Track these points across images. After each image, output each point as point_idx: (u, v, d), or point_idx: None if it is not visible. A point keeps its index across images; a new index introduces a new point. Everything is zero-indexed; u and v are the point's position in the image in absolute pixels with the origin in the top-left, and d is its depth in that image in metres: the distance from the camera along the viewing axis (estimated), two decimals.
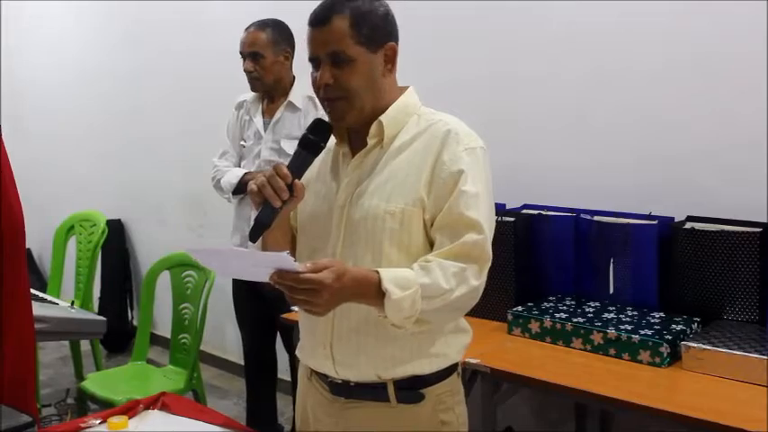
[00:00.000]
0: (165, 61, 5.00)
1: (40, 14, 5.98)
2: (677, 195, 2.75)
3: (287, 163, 1.65)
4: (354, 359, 1.72)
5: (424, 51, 3.40)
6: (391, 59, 1.70)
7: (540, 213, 2.88)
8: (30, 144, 5.94)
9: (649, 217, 2.65)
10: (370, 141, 1.72)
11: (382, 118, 1.70)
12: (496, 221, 2.76)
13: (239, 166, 3.48)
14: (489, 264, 1.64)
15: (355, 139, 1.76)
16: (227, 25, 3.50)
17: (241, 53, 3.31)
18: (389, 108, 1.71)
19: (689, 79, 2.73)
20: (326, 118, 1.73)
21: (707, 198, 2.67)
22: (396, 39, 1.71)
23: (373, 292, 1.52)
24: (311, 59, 1.68)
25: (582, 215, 2.79)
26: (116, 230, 5.36)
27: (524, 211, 2.94)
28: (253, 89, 3.39)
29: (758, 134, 2.57)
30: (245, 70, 3.30)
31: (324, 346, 1.74)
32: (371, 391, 1.74)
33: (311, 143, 1.68)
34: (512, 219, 2.82)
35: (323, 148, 1.70)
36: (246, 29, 3.30)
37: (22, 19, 6.13)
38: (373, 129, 1.70)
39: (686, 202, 2.69)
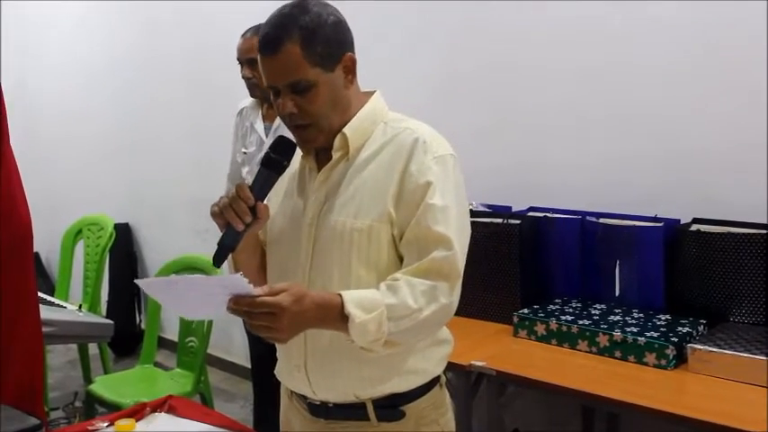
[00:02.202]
0: (174, 62, 5.00)
1: (49, 16, 6.00)
2: (684, 196, 2.74)
3: (246, 182, 1.60)
4: (330, 381, 1.67)
5: (427, 52, 3.41)
6: (351, 70, 1.62)
7: (545, 216, 2.88)
8: (38, 147, 5.96)
9: (655, 219, 2.65)
10: (335, 155, 1.65)
11: (346, 130, 1.63)
12: (503, 224, 2.80)
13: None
14: (460, 280, 1.57)
15: (321, 152, 1.68)
16: (236, 26, 3.50)
17: (239, 60, 3.30)
18: (354, 118, 1.64)
19: (697, 78, 2.72)
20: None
21: (714, 198, 2.67)
22: (351, 46, 1.63)
23: (336, 316, 1.46)
24: (268, 87, 1.61)
25: (588, 217, 2.79)
26: (124, 234, 5.38)
27: (530, 213, 2.94)
28: (252, 95, 3.39)
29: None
30: (243, 77, 3.30)
31: (298, 368, 1.70)
32: (351, 411, 1.69)
33: (274, 162, 1.61)
34: (517, 221, 2.82)
35: (286, 167, 1.63)
36: (243, 35, 3.30)
37: (31, 20, 6.16)
38: (337, 142, 1.63)
39: (693, 202, 2.69)
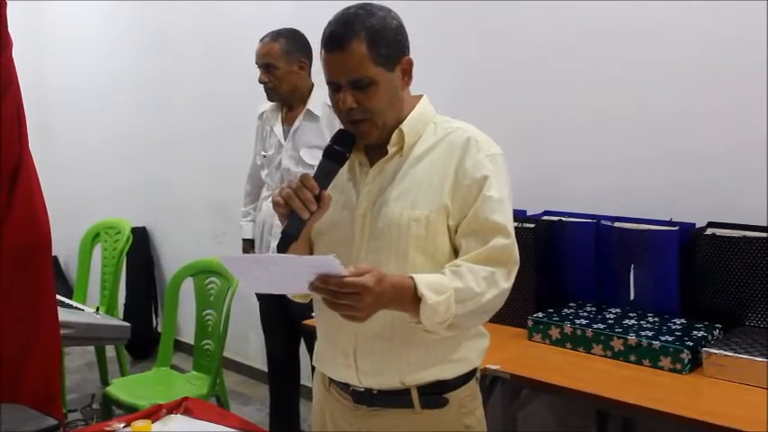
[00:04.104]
0: (192, 66, 5.03)
1: (67, 18, 6.05)
2: (700, 200, 2.74)
3: (308, 173, 1.66)
4: (378, 366, 1.72)
5: (441, 56, 3.42)
6: (408, 72, 1.72)
7: (560, 220, 2.88)
8: (56, 151, 6.01)
9: (670, 223, 2.64)
10: (391, 150, 1.73)
11: (403, 127, 1.72)
12: (518, 228, 2.79)
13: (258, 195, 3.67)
14: (517, 267, 1.67)
15: (371, 148, 1.77)
16: (254, 27, 3.53)
17: (256, 64, 3.35)
18: (408, 117, 1.73)
19: (714, 80, 2.71)
20: None
21: (730, 202, 2.66)
22: (408, 50, 1.72)
23: (409, 297, 1.54)
24: (330, 83, 1.69)
25: (602, 221, 2.79)
26: (141, 238, 5.42)
27: (545, 217, 2.94)
28: (269, 99, 3.43)
29: None
30: (259, 81, 3.34)
31: (346, 355, 1.74)
32: (395, 398, 1.74)
33: (336, 154, 1.69)
34: (532, 225, 2.83)
35: (348, 158, 1.71)
36: (261, 40, 3.34)
37: (48, 22, 6.20)
38: (394, 137, 1.72)
39: (708, 206, 2.68)
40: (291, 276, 1.53)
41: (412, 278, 1.55)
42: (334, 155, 1.69)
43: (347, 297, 1.46)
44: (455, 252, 1.69)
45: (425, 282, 1.55)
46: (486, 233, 1.64)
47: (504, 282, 1.63)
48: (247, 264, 1.68)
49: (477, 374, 1.84)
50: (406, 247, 1.68)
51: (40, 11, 6.10)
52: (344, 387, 1.81)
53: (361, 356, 1.73)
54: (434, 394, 1.74)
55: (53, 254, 2.71)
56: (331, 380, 1.84)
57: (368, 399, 1.77)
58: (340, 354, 1.76)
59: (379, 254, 1.70)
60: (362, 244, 1.72)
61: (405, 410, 1.74)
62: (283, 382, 3.68)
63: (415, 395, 1.73)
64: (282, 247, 1.60)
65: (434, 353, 1.71)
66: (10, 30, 2.48)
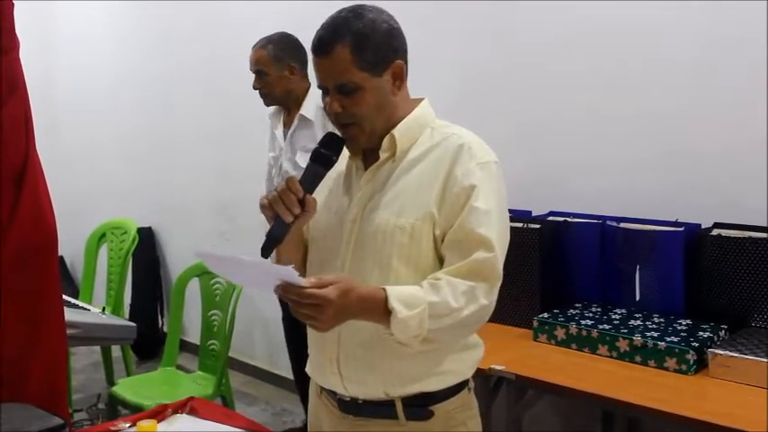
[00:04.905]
0: (198, 67, 5.03)
1: (73, 18, 6.05)
2: (705, 200, 2.73)
3: (294, 176, 1.66)
4: (362, 375, 1.70)
5: (444, 56, 3.42)
6: (399, 77, 1.68)
7: (565, 220, 2.88)
8: (62, 151, 6.01)
9: (676, 224, 2.64)
10: (383, 155, 1.70)
11: (395, 131, 1.69)
12: (523, 228, 2.80)
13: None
14: (500, 282, 1.62)
15: (368, 152, 1.74)
16: (260, 28, 3.54)
17: (250, 70, 3.38)
18: (402, 122, 1.70)
19: (719, 80, 2.70)
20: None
21: (735, 203, 2.65)
22: (403, 53, 1.69)
23: (380, 310, 1.51)
24: (319, 86, 1.68)
25: (608, 222, 2.78)
26: (147, 238, 5.43)
27: (550, 218, 2.94)
28: (265, 104, 3.49)
29: None
30: (253, 87, 3.39)
31: (331, 362, 1.72)
32: (380, 409, 1.72)
33: (323, 157, 1.67)
34: (537, 226, 2.83)
35: (335, 162, 1.69)
36: (253, 47, 3.38)
37: (55, 22, 6.21)
38: (386, 142, 1.69)
39: (714, 206, 2.67)
40: (258, 277, 1.57)
41: (384, 290, 1.52)
42: (321, 158, 1.66)
43: (307, 308, 1.46)
44: (441, 262, 1.65)
45: (397, 295, 1.51)
46: (470, 245, 1.59)
47: (485, 297, 1.58)
48: (222, 262, 1.70)
49: (470, 384, 1.80)
50: (390, 255, 1.64)
51: (46, 11, 6.10)
52: (332, 395, 1.79)
53: (344, 364, 1.71)
54: (419, 406, 1.70)
55: (59, 254, 2.72)
56: (322, 388, 1.83)
57: (353, 408, 1.75)
58: (326, 361, 1.74)
59: (363, 262, 1.67)
60: (348, 252, 1.70)
61: (390, 421, 1.71)
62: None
63: (399, 406, 1.70)
64: (266, 250, 1.60)
65: (418, 365, 1.68)
66: (17, 29, 2.49)
